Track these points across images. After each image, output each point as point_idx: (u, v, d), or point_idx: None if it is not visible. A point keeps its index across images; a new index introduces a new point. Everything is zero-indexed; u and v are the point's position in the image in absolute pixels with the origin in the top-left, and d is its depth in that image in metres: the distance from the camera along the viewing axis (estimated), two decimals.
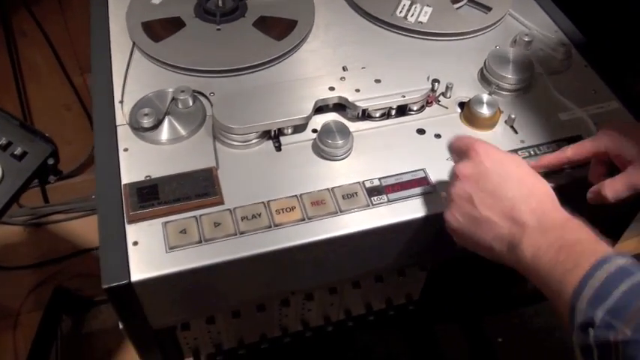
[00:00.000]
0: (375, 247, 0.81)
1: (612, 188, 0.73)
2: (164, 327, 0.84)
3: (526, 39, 1.01)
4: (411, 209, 0.79)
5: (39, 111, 1.62)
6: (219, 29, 0.99)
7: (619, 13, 1.09)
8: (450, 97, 0.93)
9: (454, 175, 0.72)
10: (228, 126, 0.82)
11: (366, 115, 0.88)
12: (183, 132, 0.86)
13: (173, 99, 0.88)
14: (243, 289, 0.80)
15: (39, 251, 1.71)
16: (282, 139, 0.86)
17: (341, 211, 0.78)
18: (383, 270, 0.91)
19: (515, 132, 0.89)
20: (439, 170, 0.83)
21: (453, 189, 0.71)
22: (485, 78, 0.95)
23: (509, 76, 0.92)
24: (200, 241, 0.74)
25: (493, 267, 1.04)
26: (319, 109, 0.88)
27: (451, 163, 0.83)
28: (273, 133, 0.85)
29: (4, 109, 0.96)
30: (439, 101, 0.92)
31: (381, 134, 0.87)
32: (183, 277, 0.73)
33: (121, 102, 0.90)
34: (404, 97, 0.87)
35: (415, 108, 0.90)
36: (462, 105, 0.91)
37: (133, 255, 0.74)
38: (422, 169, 0.83)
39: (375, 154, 0.85)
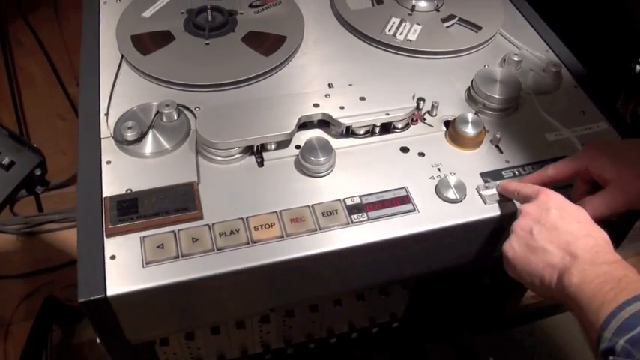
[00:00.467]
0: (354, 265, 0.80)
1: (592, 206, 0.73)
2: (142, 342, 0.83)
3: (515, 59, 1.00)
4: (391, 228, 0.78)
5: (34, 120, 1.62)
6: (207, 44, 0.99)
7: (611, 34, 1.08)
8: (435, 116, 0.92)
9: (518, 213, 0.74)
10: (211, 141, 0.82)
11: (350, 133, 0.88)
12: (166, 146, 0.85)
13: (158, 113, 0.88)
14: (221, 305, 0.80)
15: (31, 260, 1.70)
16: (265, 154, 0.85)
17: (320, 229, 0.77)
18: (364, 288, 0.90)
19: (501, 152, 0.89)
20: (421, 189, 0.82)
21: (515, 223, 0.73)
22: (472, 97, 0.94)
23: (495, 96, 0.92)
24: (177, 257, 0.74)
25: (477, 285, 1.03)
26: (304, 125, 0.87)
27: (434, 182, 0.82)
28: (255, 148, 0.84)
29: None
30: (424, 119, 0.91)
31: (364, 152, 0.87)
32: (159, 293, 0.73)
33: (107, 114, 0.90)
34: (388, 114, 0.86)
35: (400, 126, 0.89)
36: (447, 124, 0.91)
37: (110, 269, 0.73)
38: (404, 188, 0.82)
39: (358, 171, 0.84)
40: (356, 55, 1.02)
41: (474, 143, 0.88)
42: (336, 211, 0.79)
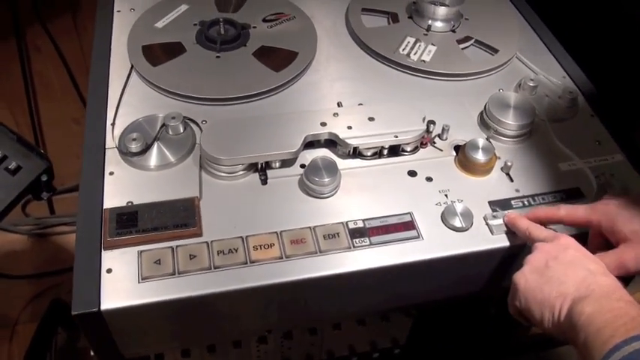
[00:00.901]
0: (354, 291, 0.78)
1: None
2: (136, 356, 0.81)
3: (531, 84, 0.97)
4: (393, 254, 0.76)
5: (49, 124, 1.62)
6: (218, 57, 0.98)
7: (631, 63, 1.05)
8: (446, 140, 0.90)
9: (533, 248, 0.71)
10: (215, 156, 0.80)
11: (357, 153, 0.86)
12: (171, 159, 0.84)
13: (164, 125, 0.86)
14: (216, 324, 0.78)
15: (40, 262, 1.70)
16: (270, 172, 0.83)
17: (320, 252, 0.75)
18: (364, 314, 0.87)
19: (511, 180, 0.86)
20: (427, 215, 0.80)
21: (529, 256, 0.70)
22: (484, 122, 0.92)
23: (508, 122, 0.89)
24: (173, 274, 0.72)
25: (483, 316, 1.00)
26: (310, 144, 0.85)
27: (440, 209, 0.80)
28: (260, 165, 0.82)
29: (3, 124, 0.95)
30: (434, 143, 0.89)
31: (370, 174, 0.85)
32: (154, 309, 0.71)
33: (113, 124, 0.89)
34: (396, 137, 0.84)
35: (408, 149, 0.87)
36: (457, 148, 0.88)
37: (106, 283, 0.71)
38: (409, 213, 0.80)
39: (363, 194, 0.82)
40: (368, 74, 1.00)
41: (483, 170, 0.85)
42: (337, 234, 0.77)
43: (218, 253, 0.74)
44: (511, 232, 0.78)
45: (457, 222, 0.78)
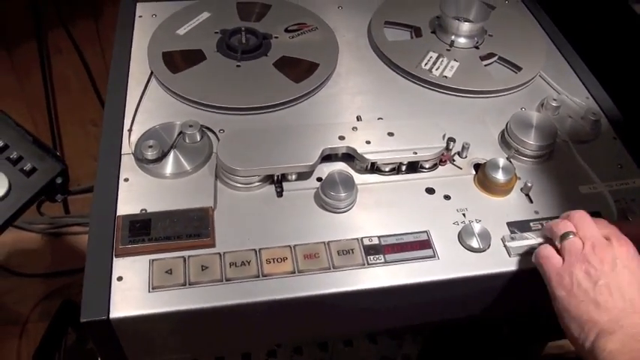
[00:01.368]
0: (366, 308, 0.76)
1: None
2: None
3: (554, 104, 0.96)
4: (408, 273, 0.74)
5: (67, 125, 1.62)
6: (239, 66, 0.97)
7: None
8: (465, 157, 0.88)
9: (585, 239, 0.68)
10: (231, 167, 0.79)
11: (374, 169, 0.84)
12: (187, 167, 0.83)
13: (181, 133, 0.85)
14: (225, 336, 0.76)
15: (53, 261, 1.70)
16: (286, 184, 0.82)
17: (334, 268, 0.73)
18: (375, 331, 0.86)
19: (531, 201, 0.84)
20: (444, 234, 0.78)
21: (583, 252, 0.66)
22: (505, 141, 0.90)
23: (530, 142, 0.87)
24: (184, 284, 0.71)
25: (496, 336, 0.98)
26: (328, 157, 0.84)
27: (457, 228, 0.78)
28: (276, 178, 0.81)
29: (20, 125, 0.95)
30: (454, 161, 0.87)
31: (388, 189, 0.83)
32: (163, 319, 0.70)
33: (130, 130, 0.88)
34: (415, 153, 0.83)
35: (427, 166, 0.85)
36: (477, 167, 0.86)
37: (116, 291, 0.70)
38: (425, 232, 0.78)
39: (379, 210, 0.80)
40: (389, 88, 0.98)
41: (503, 190, 0.83)
42: (352, 250, 0.75)
43: (230, 265, 0.73)
44: (529, 254, 0.75)
45: (474, 242, 0.76)
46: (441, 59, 1.02)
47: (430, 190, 0.83)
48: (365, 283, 0.73)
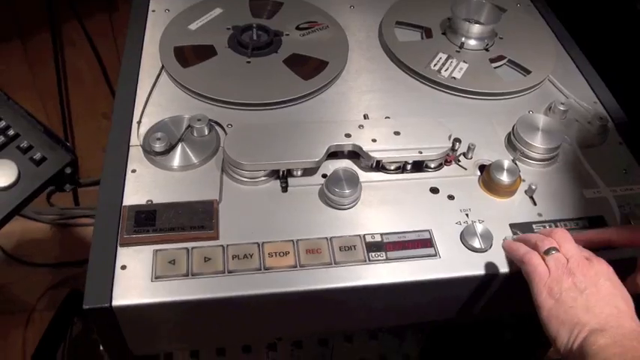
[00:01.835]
0: (367, 304, 0.77)
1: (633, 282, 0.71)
2: (145, 354, 0.81)
3: (562, 108, 0.96)
4: (408, 271, 0.75)
5: (79, 117, 1.64)
6: (249, 62, 0.98)
7: None
8: (471, 159, 0.88)
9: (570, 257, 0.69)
10: (237, 161, 0.80)
11: (380, 167, 0.85)
12: (194, 160, 0.84)
13: (189, 126, 0.86)
14: (225, 328, 0.77)
15: (61, 251, 1.72)
16: (291, 180, 0.83)
17: (335, 263, 0.74)
18: (376, 328, 0.87)
19: (534, 203, 0.84)
20: (446, 233, 0.79)
21: (569, 266, 0.68)
22: (511, 143, 0.90)
23: (536, 145, 0.88)
24: (187, 274, 0.72)
25: (498, 339, 0.99)
26: (333, 154, 0.85)
27: (460, 228, 0.79)
28: (281, 173, 0.82)
29: (32, 115, 0.96)
30: (459, 161, 0.88)
31: (392, 188, 0.84)
32: (164, 309, 0.71)
33: (139, 123, 0.89)
34: (421, 152, 0.83)
35: (432, 165, 0.86)
36: (482, 168, 0.87)
37: (119, 279, 0.72)
38: (428, 230, 0.79)
39: (383, 207, 0.81)
40: (398, 88, 0.99)
41: (507, 192, 0.84)
42: (354, 246, 0.76)
43: (233, 258, 0.73)
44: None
45: (476, 243, 0.77)
46: (450, 60, 1.02)
47: (434, 190, 0.84)
48: (365, 280, 0.74)
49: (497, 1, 1.12)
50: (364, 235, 0.77)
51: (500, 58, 1.04)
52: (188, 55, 0.98)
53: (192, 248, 0.74)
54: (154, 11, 1.09)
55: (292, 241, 0.76)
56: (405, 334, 0.90)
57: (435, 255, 0.76)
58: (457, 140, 0.87)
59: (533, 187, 0.85)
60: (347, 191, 0.78)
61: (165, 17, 1.07)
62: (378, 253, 0.76)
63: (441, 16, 1.11)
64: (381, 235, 0.78)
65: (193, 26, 1.04)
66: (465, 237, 0.78)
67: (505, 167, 0.83)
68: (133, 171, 0.83)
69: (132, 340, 0.76)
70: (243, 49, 0.99)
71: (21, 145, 0.89)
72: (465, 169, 0.87)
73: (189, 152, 0.85)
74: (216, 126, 0.89)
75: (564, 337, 0.64)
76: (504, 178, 0.83)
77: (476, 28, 1.04)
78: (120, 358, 0.80)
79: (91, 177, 1.65)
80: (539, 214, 0.83)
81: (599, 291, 0.66)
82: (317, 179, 0.83)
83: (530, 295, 0.68)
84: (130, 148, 0.86)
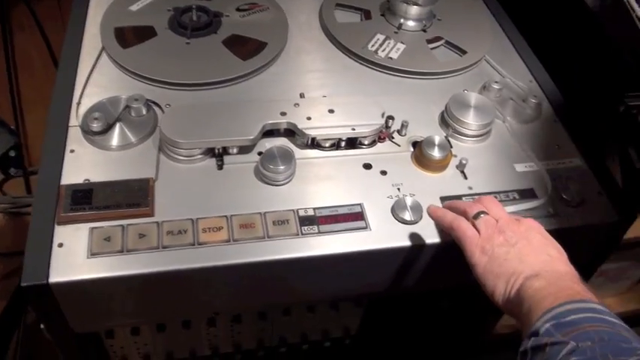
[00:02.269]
0: (300, 277, 0.79)
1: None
2: (87, 332, 0.82)
3: (496, 86, 0.99)
4: (340, 243, 0.78)
5: (29, 103, 1.63)
6: (188, 43, 0.99)
7: (600, 72, 1.07)
8: (404, 135, 0.91)
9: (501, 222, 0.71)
10: (172, 139, 0.82)
11: (315, 144, 0.87)
12: (132, 139, 0.85)
13: (127, 106, 0.88)
14: (162, 303, 0.79)
15: (14, 240, 1.70)
16: (227, 158, 0.85)
17: (268, 237, 0.76)
18: (311, 301, 0.89)
19: (465, 177, 0.88)
20: (378, 207, 0.82)
21: (499, 225, 0.70)
22: (444, 120, 0.93)
23: (467, 121, 0.91)
24: (122, 251, 0.74)
25: (436, 309, 1.02)
26: (270, 132, 0.87)
27: (391, 201, 0.82)
28: (217, 151, 0.84)
29: None
30: (392, 138, 0.91)
31: (327, 164, 0.86)
32: (100, 284, 0.73)
33: (78, 103, 0.90)
34: (354, 129, 0.86)
35: (366, 142, 0.88)
36: (414, 144, 0.90)
37: (56, 257, 0.73)
38: (359, 204, 0.81)
39: (317, 183, 0.84)
40: (336, 68, 1.01)
41: (438, 166, 0.87)
42: (287, 220, 0.78)
43: (167, 234, 0.75)
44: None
45: (406, 215, 0.80)
46: (388, 41, 1.05)
47: (368, 166, 0.87)
48: (297, 252, 0.76)
49: None
50: (298, 209, 0.80)
51: (437, 39, 1.07)
52: (128, 36, 0.99)
53: (128, 225, 0.76)
54: None
55: (226, 216, 0.78)
56: (342, 306, 0.93)
57: (366, 227, 0.79)
58: (390, 118, 0.90)
59: (464, 161, 0.88)
60: (281, 167, 0.81)
61: None
62: (311, 227, 0.78)
63: None
64: (314, 209, 0.80)
65: (134, 7, 1.05)
66: (395, 210, 0.80)
67: (436, 143, 0.87)
68: (72, 151, 0.84)
69: (72, 317, 0.77)
70: (183, 30, 1.01)
71: None
72: (399, 145, 0.90)
73: (127, 132, 0.86)
74: (154, 106, 0.90)
75: (501, 289, 0.66)
76: (435, 153, 0.86)
77: (414, 10, 1.07)
78: (61, 337, 0.82)
79: None
80: (470, 187, 0.86)
81: (530, 243, 0.69)
82: (253, 157, 0.85)
83: (466, 264, 0.71)
84: (70, 128, 0.87)
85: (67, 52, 0.98)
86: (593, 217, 0.86)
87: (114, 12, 1.04)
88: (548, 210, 0.86)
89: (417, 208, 0.81)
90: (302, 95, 0.94)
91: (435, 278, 0.86)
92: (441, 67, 1.02)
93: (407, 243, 0.79)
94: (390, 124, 0.90)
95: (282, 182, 0.82)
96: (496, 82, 1.00)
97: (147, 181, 0.80)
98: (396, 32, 1.07)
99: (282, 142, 0.88)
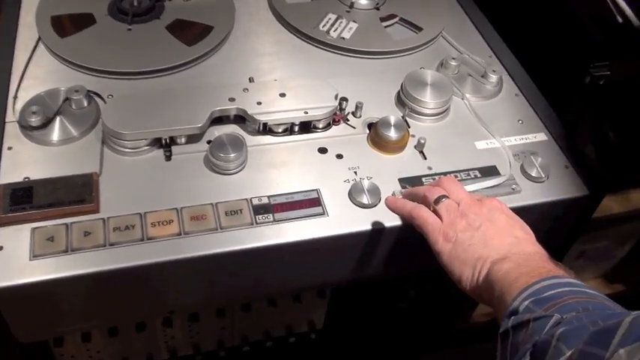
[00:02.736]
0: (257, 268, 0.79)
1: None
2: (33, 341, 0.81)
3: (453, 63, 1.00)
4: (296, 231, 0.78)
5: None
6: (130, 29, 0.98)
7: (562, 44, 1.08)
8: (360, 117, 0.92)
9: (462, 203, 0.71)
10: (116, 131, 0.81)
11: (267, 130, 0.87)
12: (73, 133, 0.84)
13: (67, 98, 0.87)
14: (112, 305, 0.78)
15: None
16: (175, 148, 0.84)
17: (221, 228, 0.76)
18: (271, 294, 0.89)
19: (424, 157, 0.88)
20: (334, 192, 0.82)
21: (461, 209, 0.71)
22: (401, 100, 0.94)
23: (424, 100, 0.92)
24: (66, 251, 0.73)
25: (403, 298, 1.03)
26: (219, 120, 0.87)
27: (348, 185, 0.82)
28: (164, 141, 0.83)
29: None
30: (347, 120, 0.91)
31: (280, 150, 0.86)
32: (44, 288, 0.71)
33: (15, 98, 0.89)
34: (306, 113, 0.86)
35: (320, 126, 0.89)
36: (370, 126, 0.90)
37: None
38: (315, 190, 0.82)
39: (271, 170, 0.84)
40: (286, 50, 1.01)
41: (395, 147, 0.88)
42: (240, 210, 0.78)
43: (114, 230, 0.75)
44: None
45: (364, 199, 0.80)
46: (340, 21, 1.05)
47: (323, 150, 0.87)
48: (253, 242, 0.76)
49: None
50: (251, 198, 0.80)
51: (391, 16, 1.08)
52: (66, 25, 0.98)
53: (72, 223, 0.75)
54: None
55: (176, 209, 0.77)
56: (305, 298, 0.93)
57: (323, 213, 0.79)
58: (344, 99, 0.90)
59: (422, 141, 0.89)
60: (232, 155, 0.81)
61: None
62: (266, 216, 0.78)
63: None
64: (269, 197, 0.80)
65: None
66: (352, 194, 0.81)
67: (392, 123, 0.87)
68: (10, 148, 0.83)
69: (16, 326, 0.76)
70: (124, 16, 1.00)
71: None
72: (354, 127, 0.91)
73: (68, 125, 0.85)
74: (96, 97, 0.89)
75: (468, 275, 0.67)
76: (391, 133, 0.86)
77: None
78: (4, 348, 0.81)
79: None
80: (429, 168, 0.87)
81: (494, 225, 0.69)
82: (202, 146, 0.85)
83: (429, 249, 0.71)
84: (6, 124, 0.86)
85: (0, 44, 0.96)
86: (560, 192, 0.88)
87: (50, 0, 1.02)
88: (512, 187, 0.87)
89: (374, 191, 0.81)
90: (251, 80, 0.94)
91: (399, 263, 0.87)
92: (396, 45, 1.03)
93: (366, 227, 0.79)
94: (344, 106, 0.91)
95: (233, 171, 0.82)
96: (453, 58, 1.00)
97: (90, 175, 0.79)
98: (348, 11, 1.07)
99: (232, 129, 0.88)
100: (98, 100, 0.89)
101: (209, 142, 0.85)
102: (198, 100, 0.85)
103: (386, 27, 1.06)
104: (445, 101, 0.92)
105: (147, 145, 0.83)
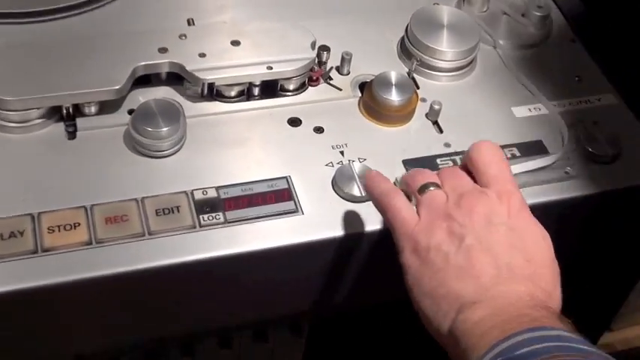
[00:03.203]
0: (201, 290, 0.80)
1: None
2: None
3: None
4: (258, 236, 0.79)
5: None
6: None
7: None
8: (348, 74, 0.93)
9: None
10: None
11: (214, 93, 0.88)
12: None
13: None
14: None
15: None
16: (81, 121, 0.85)
17: (150, 234, 0.77)
18: (225, 328, 0.90)
19: (440, 131, 0.90)
20: (312, 180, 0.84)
21: (450, 206, 0.70)
22: (405, 49, 0.95)
23: (439, 48, 0.93)
24: None
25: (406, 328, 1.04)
26: (145, 79, 0.88)
27: (332, 170, 0.83)
28: (65, 111, 0.84)
29: None
30: (330, 79, 0.93)
31: (234, 122, 0.88)
32: None
33: None
34: (270, 68, 0.87)
35: (291, 87, 0.90)
36: (363, 87, 0.92)
37: None
38: (285, 178, 0.83)
39: (221, 151, 0.85)
40: None
41: (399, 116, 0.89)
42: (177, 207, 0.79)
43: None
44: None
45: (354, 189, 0.81)
46: None
47: (295, 122, 0.89)
48: (195, 253, 0.77)
49: None
50: (192, 190, 0.81)
51: None
52: None
53: None
54: None
55: (84, 207, 0.78)
56: (272, 336, 0.94)
57: (296, 211, 0.81)
58: (324, 49, 0.92)
59: (437, 107, 0.90)
60: (164, 130, 0.81)
61: None
62: (213, 215, 0.79)
63: None
64: (217, 189, 0.81)
65: None
66: (338, 183, 0.82)
67: (394, 82, 0.89)
68: None
69: None
70: None
71: None
72: (340, 89, 0.92)
73: None
74: None
75: (429, 313, 0.66)
76: (393, 96, 0.88)
77: None
78: None
79: None
80: (447, 145, 0.89)
81: (485, 240, 0.67)
82: (121, 117, 0.86)
83: None
84: None
85: None
86: (635, 177, 0.90)
87: None
88: (566, 170, 0.88)
89: None
90: (191, 22, 0.95)
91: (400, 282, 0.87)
92: None
93: (356, 229, 0.80)
94: (324, 59, 0.92)
95: (166, 152, 0.83)
96: None
97: None
98: None
99: (163, 92, 0.89)
100: None
101: (131, 111, 0.86)
102: (115, 52, 0.86)
103: None
104: (469, 50, 0.94)
105: (40, 118, 0.84)
